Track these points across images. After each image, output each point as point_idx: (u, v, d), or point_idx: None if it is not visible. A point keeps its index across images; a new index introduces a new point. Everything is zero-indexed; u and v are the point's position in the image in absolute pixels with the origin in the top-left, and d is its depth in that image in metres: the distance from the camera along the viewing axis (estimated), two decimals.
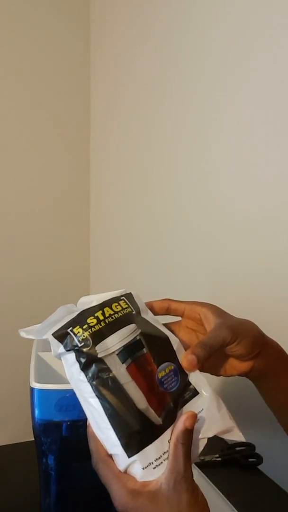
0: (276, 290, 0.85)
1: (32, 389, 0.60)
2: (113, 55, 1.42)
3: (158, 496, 0.42)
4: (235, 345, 0.50)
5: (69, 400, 0.58)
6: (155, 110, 1.20)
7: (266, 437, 0.85)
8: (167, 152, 1.16)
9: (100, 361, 0.45)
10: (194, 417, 0.44)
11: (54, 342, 0.46)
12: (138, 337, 0.47)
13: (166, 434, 0.44)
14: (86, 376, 0.45)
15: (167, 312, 0.56)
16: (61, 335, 0.46)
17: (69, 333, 0.46)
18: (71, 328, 0.46)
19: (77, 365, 0.45)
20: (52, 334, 0.47)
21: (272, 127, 0.84)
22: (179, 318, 0.57)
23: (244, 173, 0.91)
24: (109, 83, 1.45)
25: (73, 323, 0.47)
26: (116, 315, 0.48)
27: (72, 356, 0.46)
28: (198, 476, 0.72)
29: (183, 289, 1.10)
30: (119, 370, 0.45)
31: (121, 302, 0.50)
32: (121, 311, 0.49)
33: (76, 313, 0.48)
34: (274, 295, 0.85)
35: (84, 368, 0.45)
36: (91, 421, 0.45)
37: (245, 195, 0.91)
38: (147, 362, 0.46)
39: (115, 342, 0.46)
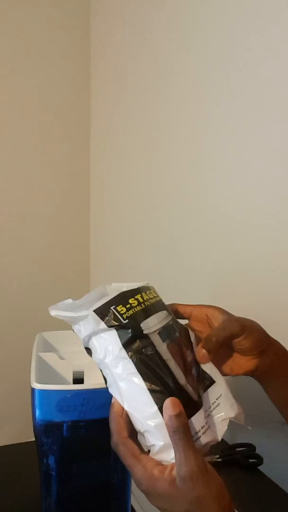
0: (277, 291, 0.85)
1: (32, 390, 0.60)
2: (113, 56, 1.42)
3: (174, 486, 0.43)
4: (243, 338, 0.53)
5: (70, 400, 0.58)
6: (155, 112, 1.20)
7: (266, 437, 0.85)
8: (167, 154, 1.16)
9: (145, 337, 0.47)
10: (173, 402, 0.45)
11: (94, 319, 0.47)
12: (171, 322, 0.50)
13: (202, 410, 0.48)
14: (128, 352, 0.46)
15: (176, 316, 0.57)
16: (104, 312, 0.47)
17: (112, 311, 0.47)
18: (114, 306, 0.47)
19: (118, 342, 0.46)
20: (94, 311, 0.47)
21: (274, 129, 0.84)
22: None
23: (245, 175, 0.91)
24: (110, 84, 1.45)
25: (116, 302, 0.48)
26: (152, 301, 0.50)
27: (112, 333, 0.47)
28: None
29: (184, 289, 1.10)
30: (162, 347, 0.47)
31: (151, 291, 0.52)
32: (154, 298, 0.51)
33: (116, 293, 0.49)
34: (275, 296, 0.85)
35: (127, 344, 0.46)
36: (123, 399, 0.46)
37: (245, 196, 0.91)
38: (180, 344, 0.49)
39: (155, 322, 0.48)
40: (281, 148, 0.82)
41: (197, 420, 0.47)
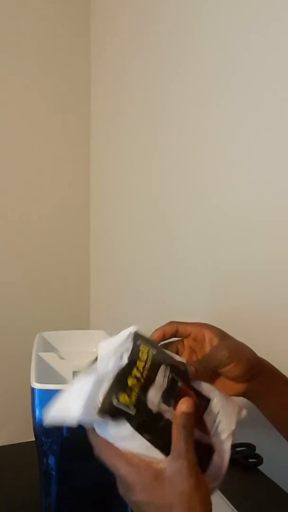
0: (277, 292, 0.85)
1: (33, 389, 0.60)
2: (113, 56, 1.42)
3: (162, 476, 0.43)
4: (232, 366, 0.53)
5: None
6: (155, 115, 1.20)
7: (266, 437, 0.85)
8: (167, 155, 1.16)
9: (153, 413, 0.45)
10: (190, 401, 0.45)
11: (101, 419, 0.42)
12: (170, 376, 0.48)
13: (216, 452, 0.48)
14: (142, 434, 0.44)
15: (175, 335, 0.57)
16: (109, 410, 0.42)
17: (116, 408, 0.42)
18: (115, 396, 0.43)
19: (128, 427, 0.43)
20: (98, 413, 0.42)
21: (274, 130, 0.84)
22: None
23: (245, 175, 0.91)
24: (110, 85, 1.45)
25: (116, 389, 0.43)
26: (147, 366, 0.47)
27: (120, 423, 0.43)
28: None
29: (184, 292, 1.10)
30: (170, 413, 0.45)
31: (141, 348, 0.48)
32: (148, 359, 0.47)
33: (110, 377, 0.44)
34: (274, 296, 0.85)
35: (140, 428, 0.44)
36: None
37: (245, 197, 0.91)
38: (183, 393, 0.48)
39: (159, 394, 0.46)
40: (280, 149, 0.82)
41: (214, 462, 0.47)
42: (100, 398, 0.42)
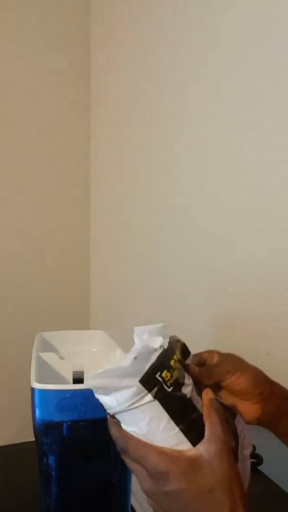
0: (277, 292, 0.85)
1: (32, 389, 0.60)
2: (113, 55, 1.42)
3: (200, 463, 0.42)
4: (237, 376, 0.52)
5: (70, 400, 0.58)
6: (155, 114, 1.20)
7: (266, 437, 0.85)
8: (167, 156, 1.16)
9: (188, 401, 0.46)
10: (211, 391, 0.47)
11: (139, 390, 0.44)
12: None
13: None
14: (177, 424, 0.44)
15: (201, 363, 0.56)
16: (150, 382, 0.44)
17: (158, 379, 0.44)
18: (159, 373, 0.45)
19: (164, 414, 0.44)
20: (140, 381, 0.44)
21: (274, 130, 0.84)
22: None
23: (245, 175, 0.91)
24: (110, 84, 1.45)
25: (160, 366, 0.45)
26: (181, 357, 0.49)
27: (155, 405, 0.44)
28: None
29: (184, 292, 1.10)
30: (200, 404, 0.47)
31: (177, 341, 0.51)
32: (180, 351, 0.49)
33: (156, 354, 0.46)
34: (275, 296, 0.85)
35: (175, 415, 0.44)
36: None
37: (246, 197, 0.91)
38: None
39: (190, 382, 0.48)
40: (282, 150, 0.82)
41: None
42: (144, 368, 0.44)
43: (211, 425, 0.44)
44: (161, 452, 0.42)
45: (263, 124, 0.86)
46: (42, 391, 0.59)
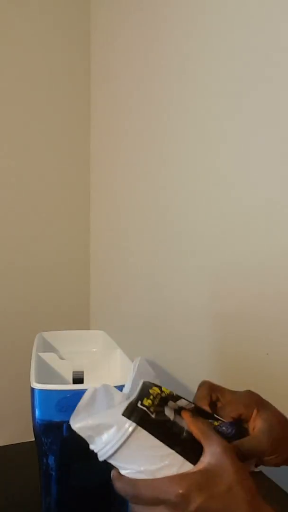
0: (277, 292, 0.85)
1: (32, 390, 0.60)
2: (113, 55, 1.42)
3: (210, 469, 0.42)
4: (274, 457, 0.51)
5: (70, 400, 0.58)
6: (155, 114, 1.20)
7: None
8: (167, 156, 1.16)
9: (176, 424, 0.46)
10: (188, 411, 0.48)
11: (120, 425, 0.44)
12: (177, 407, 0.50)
13: None
14: (170, 447, 0.44)
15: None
16: (132, 412, 0.45)
17: (140, 408, 0.45)
18: (140, 401, 0.45)
19: (154, 440, 0.44)
20: (123, 414, 0.44)
21: (274, 129, 0.84)
22: None
23: (246, 175, 0.91)
24: (110, 84, 1.45)
25: (141, 396, 0.46)
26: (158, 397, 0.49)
27: (142, 434, 0.44)
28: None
29: (184, 292, 1.10)
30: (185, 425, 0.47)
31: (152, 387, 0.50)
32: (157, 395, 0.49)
33: (138, 386, 0.48)
34: (275, 296, 0.85)
35: (165, 439, 0.44)
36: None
37: (246, 196, 0.91)
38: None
39: (171, 410, 0.48)
40: (282, 150, 0.82)
41: None
42: (125, 403, 0.45)
43: (204, 435, 0.45)
44: (171, 478, 0.43)
45: (263, 126, 0.86)
46: (42, 391, 0.59)
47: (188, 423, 0.47)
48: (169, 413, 0.47)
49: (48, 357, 0.77)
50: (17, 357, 1.18)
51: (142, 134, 1.27)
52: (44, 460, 0.62)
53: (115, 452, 0.44)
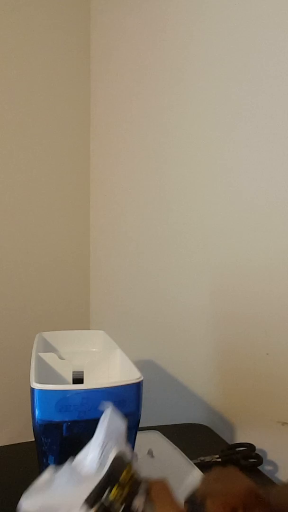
0: (277, 292, 0.85)
1: (32, 390, 0.60)
2: (113, 55, 1.42)
3: None
4: None
5: (70, 400, 0.58)
6: (155, 114, 1.20)
7: (266, 437, 0.85)
8: (167, 155, 1.16)
9: None
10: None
11: None
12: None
13: None
14: None
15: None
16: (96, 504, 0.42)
17: (103, 505, 0.42)
18: (107, 492, 0.42)
19: None
20: (86, 502, 0.42)
21: (274, 129, 0.84)
22: None
23: (245, 175, 0.91)
24: (110, 84, 1.45)
25: (107, 484, 0.43)
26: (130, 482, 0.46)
27: None
28: (199, 476, 0.72)
29: (184, 292, 1.10)
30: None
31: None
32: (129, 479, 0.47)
33: (102, 475, 0.44)
34: (275, 296, 0.85)
35: None
36: None
37: (246, 196, 0.91)
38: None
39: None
40: (281, 150, 0.82)
41: None
42: (89, 489, 0.42)
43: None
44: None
45: (263, 127, 0.86)
46: (42, 391, 0.59)
47: (155, 503, 0.44)
48: (139, 503, 0.44)
49: (48, 357, 0.77)
50: (17, 357, 1.18)
51: (142, 133, 1.27)
52: (44, 460, 0.62)
53: None
